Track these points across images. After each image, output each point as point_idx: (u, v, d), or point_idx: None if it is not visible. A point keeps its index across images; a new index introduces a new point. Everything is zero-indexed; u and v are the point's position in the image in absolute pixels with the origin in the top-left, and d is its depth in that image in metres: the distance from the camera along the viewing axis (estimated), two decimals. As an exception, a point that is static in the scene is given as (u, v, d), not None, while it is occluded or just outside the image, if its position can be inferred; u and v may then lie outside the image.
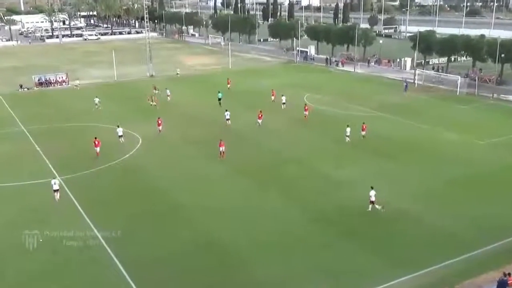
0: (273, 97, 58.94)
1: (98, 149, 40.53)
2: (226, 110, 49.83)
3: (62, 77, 73.13)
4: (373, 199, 30.05)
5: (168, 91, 61.58)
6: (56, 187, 32.61)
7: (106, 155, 40.44)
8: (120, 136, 43.95)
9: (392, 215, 29.85)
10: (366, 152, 41.14)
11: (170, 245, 26.75)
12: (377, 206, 30.06)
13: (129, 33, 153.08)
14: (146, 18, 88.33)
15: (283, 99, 56.02)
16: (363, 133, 44.65)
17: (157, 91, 61.88)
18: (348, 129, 43.75)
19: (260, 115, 48.88)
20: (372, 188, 30.23)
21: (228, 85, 67.31)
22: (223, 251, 26.15)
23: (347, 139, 43.52)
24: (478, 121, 51.57)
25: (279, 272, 24.27)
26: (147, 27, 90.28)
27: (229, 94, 61.74)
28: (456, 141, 44.16)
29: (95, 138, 41.14)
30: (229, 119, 49.15)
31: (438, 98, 62.07)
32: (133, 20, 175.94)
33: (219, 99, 57.26)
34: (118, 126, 44.50)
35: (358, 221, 29.29)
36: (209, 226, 28.76)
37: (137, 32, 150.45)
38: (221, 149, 39.76)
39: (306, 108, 52.57)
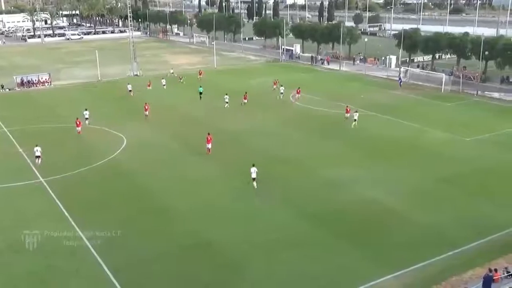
0: (274, 86, 63.32)
1: (79, 128, 45.65)
2: (226, 94, 55.76)
3: (44, 78, 72.30)
4: (254, 175, 32.86)
5: (163, 80, 67.31)
6: (38, 153, 37.91)
7: (91, 156, 40.16)
8: (87, 119, 48.23)
9: (381, 214, 30.02)
10: (355, 151, 41.36)
11: (158, 247, 26.53)
12: (254, 184, 32.83)
13: (112, 32, 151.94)
14: (130, 17, 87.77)
15: (282, 89, 60.11)
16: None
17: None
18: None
19: (245, 96, 56.33)
20: (253, 165, 33.11)
21: (200, 76, 73.32)
22: (214, 253, 25.99)
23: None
24: (463, 119, 52.08)
25: (270, 273, 24.22)
26: (131, 26, 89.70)
27: (215, 94, 61.82)
28: (443, 139, 44.54)
29: (77, 118, 46.25)
30: (227, 102, 54.92)
31: (423, 96, 62.58)
32: (117, 19, 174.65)
33: (200, 93, 59.99)
34: (86, 110, 49.03)
35: (349, 221, 29.41)
36: (198, 227, 28.60)
37: (121, 31, 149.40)
38: (208, 146, 40.17)
39: (299, 91, 59.39)
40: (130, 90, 63.40)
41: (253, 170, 33.11)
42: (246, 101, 56.18)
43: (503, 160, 39.23)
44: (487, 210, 30.52)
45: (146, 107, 51.50)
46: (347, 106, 51.06)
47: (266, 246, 26.59)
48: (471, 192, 33.25)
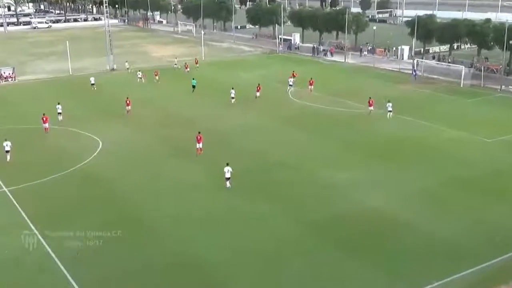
0: (293, 79, 63.91)
1: (46, 125, 46.88)
2: (232, 88, 57.08)
3: (7, 72, 72.17)
4: (228, 175, 34.25)
5: (139, 73, 69.41)
6: (8, 148, 40.00)
7: (62, 161, 40.20)
8: (59, 113, 50.43)
9: (388, 222, 30.25)
10: (362, 153, 41.61)
11: (136, 262, 26.58)
12: (228, 184, 34.47)
13: (85, 20, 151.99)
14: (106, 3, 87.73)
15: (290, 81, 62.17)
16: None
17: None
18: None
19: (258, 88, 58.17)
20: (227, 164, 34.36)
21: (196, 65, 77.59)
22: (202, 268, 26.08)
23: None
24: (485, 117, 52.44)
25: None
26: (107, 13, 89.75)
27: (203, 90, 62.17)
28: (461, 139, 44.85)
29: (43, 114, 47.11)
30: (233, 97, 56.33)
31: (440, 91, 62.98)
32: (90, 5, 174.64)
33: (193, 86, 62.43)
34: (58, 103, 50.92)
35: (352, 229, 29.64)
36: (185, 240, 28.68)
37: (95, 19, 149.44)
38: (198, 145, 40.75)
39: (312, 82, 61.47)
40: (92, 84, 65.14)
41: (227, 170, 34.40)
42: (259, 93, 58.03)
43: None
44: (508, 220, 30.69)
45: (128, 102, 53.06)
46: (369, 98, 52.20)
47: (264, 260, 26.68)
48: (493, 199, 33.41)
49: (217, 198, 33.84)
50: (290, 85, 61.94)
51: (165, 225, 30.64)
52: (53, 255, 27.09)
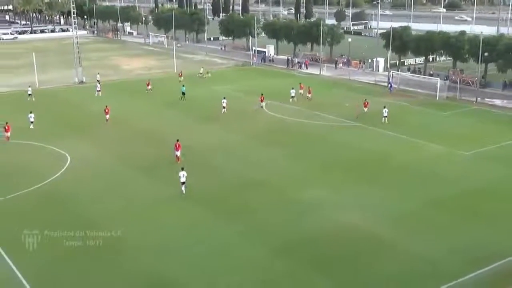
0: (301, 91, 66.32)
1: (8, 134, 47.82)
2: (224, 98, 58.30)
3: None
4: (183, 180, 35.74)
5: (98, 85, 69.04)
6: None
7: (25, 179, 39.29)
8: (32, 122, 51.94)
9: (366, 243, 30.19)
10: (337, 171, 41.60)
11: (107, 285, 26.08)
12: (183, 188, 35.89)
13: (52, 31, 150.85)
14: (74, 13, 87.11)
15: (292, 92, 63.84)
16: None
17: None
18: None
19: (262, 98, 59.70)
20: (182, 169, 35.94)
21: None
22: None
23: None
24: (462, 129, 53.17)
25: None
26: (75, 24, 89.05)
27: (177, 104, 62.02)
28: (438, 153, 45.30)
29: (6, 123, 48.30)
30: (225, 107, 57.47)
31: (416, 104, 63.71)
32: (58, 16, 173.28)
33: (183, 93, 64.62)
34: (31, 112, 52.65)
35: (329, 251, 29.43)
36: (153, 265, 28.16)
37: (63, 30, 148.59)
38: (177, 153, 41.81)
39: (310, 90, 64.81)
40: (30, 94, 65.20)
41: (182, 174, 35.73)
42: (263, 103, 59.65)
43: (506, 176, 40.06)
44: (490, 236, 30.90)
45: (107, 110, 54.07)
46: (365, 100, 58.10)
47: (230, 278, 26.51)
48: (471, 215, 33.76)
49: (187, 218, 33.37)
50: (292, 96, 63.59)
51: (135, 249, 29.98)
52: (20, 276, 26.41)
